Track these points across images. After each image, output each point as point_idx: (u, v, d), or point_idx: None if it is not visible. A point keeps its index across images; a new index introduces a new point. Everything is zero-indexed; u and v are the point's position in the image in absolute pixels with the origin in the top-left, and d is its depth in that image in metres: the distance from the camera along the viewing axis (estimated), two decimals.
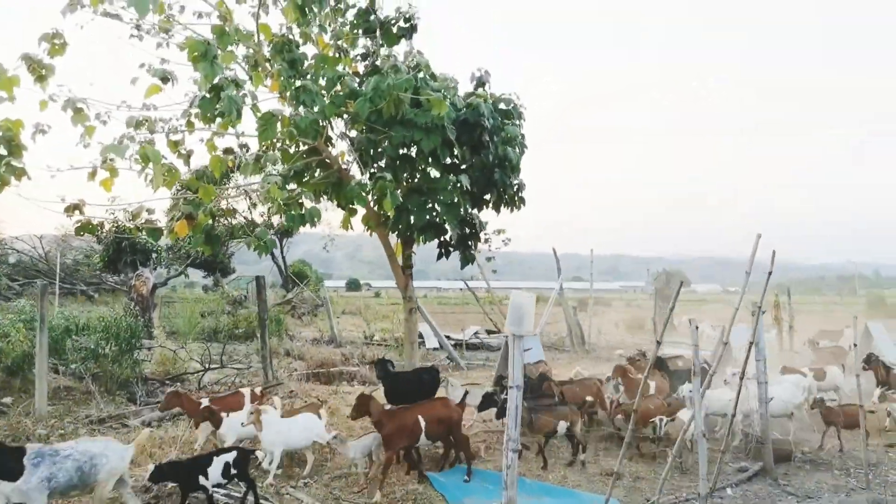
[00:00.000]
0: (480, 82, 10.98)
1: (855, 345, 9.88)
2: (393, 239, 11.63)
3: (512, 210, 11.41)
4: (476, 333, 26.95)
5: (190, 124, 10.09)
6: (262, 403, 9.70)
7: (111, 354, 13.01)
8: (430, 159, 10.10)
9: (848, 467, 9.93)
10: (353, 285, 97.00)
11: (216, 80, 7.92)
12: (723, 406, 10.37)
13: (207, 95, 8.11)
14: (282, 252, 41.99)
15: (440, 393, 11.12)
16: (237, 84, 8.60)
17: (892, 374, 12.94)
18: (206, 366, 14.43)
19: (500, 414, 9.38)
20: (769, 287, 8.10)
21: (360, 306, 43.17)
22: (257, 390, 10.55)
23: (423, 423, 8.54)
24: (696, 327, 6.15)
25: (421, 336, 25.81)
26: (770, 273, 7.72)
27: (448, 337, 23.23)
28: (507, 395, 9.42)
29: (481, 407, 10.24)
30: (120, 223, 11.05)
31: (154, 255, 22.87)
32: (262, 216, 33.68)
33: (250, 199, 24.27)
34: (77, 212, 8.69)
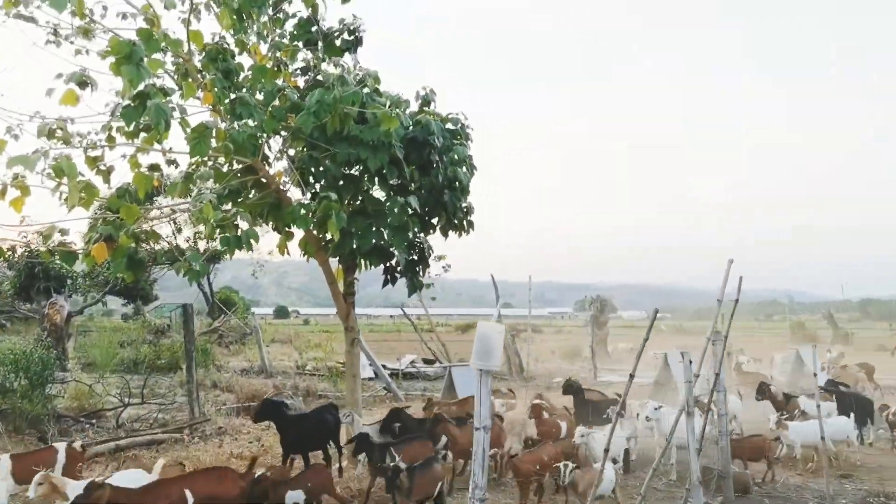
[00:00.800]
0: (426, 101, 10.42)
1: (815, 374, 9.63)
2: (333, 264, 10.90)
3: (460, 234, 10.84)
4: (412, 362, 26.23)
5: (110, 139, 9.18)
6: (83, 462, 8.60)
7: (20, 389, 11.81)
8: (376, 179, 9.44)
9: (805, 500, 9.66)
10: (282, 312, 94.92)
11: (142, 87, 7.09)
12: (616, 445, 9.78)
13: (132, 104, 7.26)
14: (208, 278, 40.38)
15: (344, 432, 10.29)
16: (165, 93, 7.81)
17: (792, 402, 12.60)
18: (126, 401, 13.29)
19: (375, 461, 8.50)
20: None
21: (289, 334, 41.85)
22: (77, 445, 8.68)
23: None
24: (691, 361, 5.65)
25: None
26: (737, 300, 7.37)
27: (384, 366, 22.44)
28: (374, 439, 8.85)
29: (356, 450, 9.07)
30: (33, 247, 9.94)
31: (69, 282, 21.34)
32: (187, 241, 32.42)
33: (175, 223, 23.07)
34: None
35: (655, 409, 10.82)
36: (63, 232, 7.72)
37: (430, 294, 12.96)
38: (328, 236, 10.44)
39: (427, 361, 26.53)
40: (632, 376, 6.06)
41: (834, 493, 9.64)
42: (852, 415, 11.40)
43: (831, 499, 9.23)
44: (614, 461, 9.95)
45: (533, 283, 28.63)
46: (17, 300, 24.13)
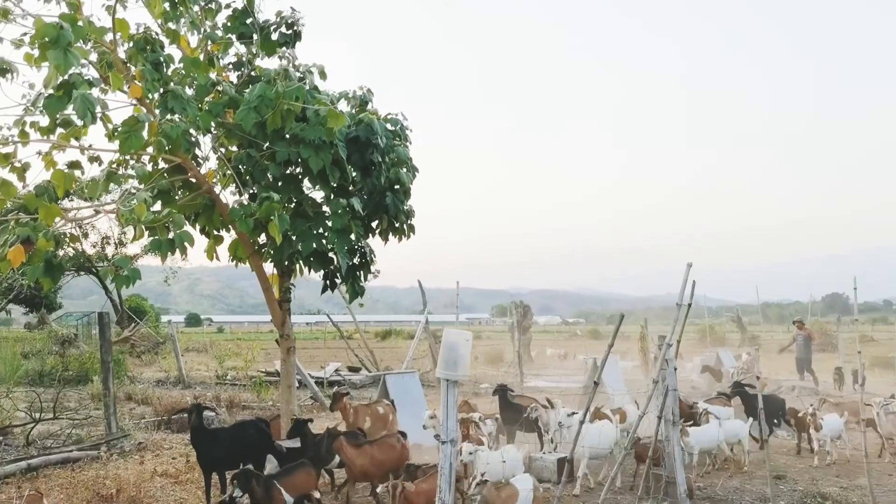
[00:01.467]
0: (363, 101, 10.06)
1: (759, 377, 9.74)
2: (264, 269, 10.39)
3: (400, 239, 10.51)
4: (337, 370, 25.62)
5: (24, 134, 8.46)
6: None
7: None
8: (317, 180, 9.02)
9: (746, 502, 9.77)
10: (194, 320, 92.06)
11: (68, 75, 6.49)
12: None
13: (55, 94, 6.65)
14: (116, 286, 38.64)
15: None
16: (91, 83, 7.20)
17: (695, 407, 12.44)
18: (38, 416, 12.33)
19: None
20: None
21: (205, 343, 40.44)
22: None
23: None
24: (675, 369, 5.50)
25: (279, 374, 24.17)
26: (689, 305, 7.33)
27: (309, 375, 21.80)
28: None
29: (290, 433, 8.87)
30: None
31: None
32: (93, 246, 30.90)
33: (80, 227, 21.85)
34: None
35: (569, 415, 10.28)
36: None
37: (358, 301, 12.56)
38: (262, 240, 9.99)
39: (352, 369, 25.99)
40: (596, 384, 5.89)
41: (772, 494, 9.78)
42: (750, 418, 11.43)
43: (774, 500, 9.35)
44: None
45: (448, 289, 28.53)
46: None
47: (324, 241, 9.07)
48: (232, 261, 10.31)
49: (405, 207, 10.08)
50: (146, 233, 7.94)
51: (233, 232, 9.95)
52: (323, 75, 8.80)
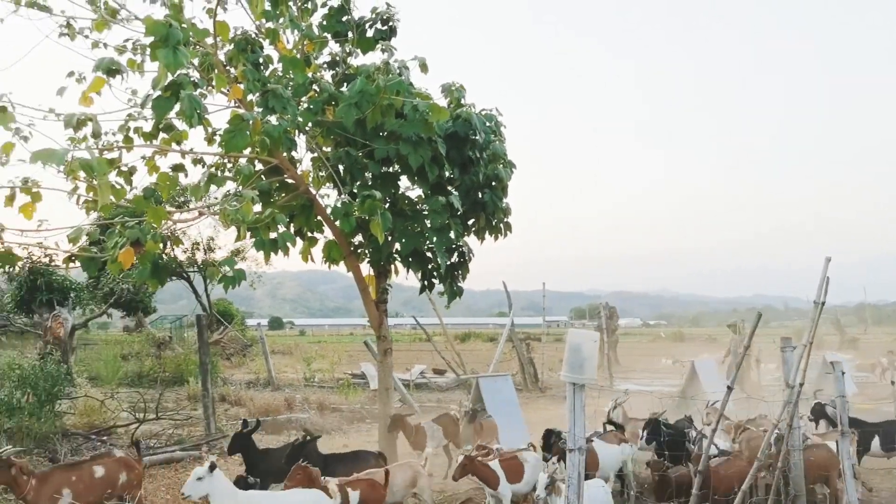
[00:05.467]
0: (456, 97, 9.83)
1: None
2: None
3: (496, 238, 10.23)
4: (423, 373, 25.55)
5: (128, 139, 8.59)
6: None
7: (28, 407, 11.10)
8: (416, 178, 8.84)
9: None
10: (277, 324, 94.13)
11: (176, 75, 6.47)
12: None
13: (163, 95, 6.64)
14: (206, 290, 39.71)
15: None
16: (196, 85, 7.19)
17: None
18: (141, 417, 12.59)
19: None
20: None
21: (289, 345, 41.14)
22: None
23: None
24: (843, 373, 5.03)
25: (364, 376, 24.25)
26: (823, 303, 6.78)
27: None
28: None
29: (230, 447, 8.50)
30: (45, 252, 9.22)
31: (72, 294, 20.57)
32: (184, 252, 31.74)
33: (182, 232, 22.33)
34: None
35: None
36: (91, 236, 7.08)
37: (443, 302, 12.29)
38: (358, 240, 9.89)
39: (437, 372, 25.87)
40: (730, 388, 5.48)
41: None
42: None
43: None
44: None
45: (525, 291, 28.06)
46: (15, 314, 23.34)
47: (423, 240, 8.88)
48: (325, 262, 10.23)
49: (503, 205, 9.79)
50: (248, 234, 7.90)
51: (327, 233, 9.89)
52: (424, 68, 8.60)
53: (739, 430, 8.57)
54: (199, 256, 30.79)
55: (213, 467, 6.09)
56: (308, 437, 8.49)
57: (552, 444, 7.76)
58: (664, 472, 7.82)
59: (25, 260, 18.11)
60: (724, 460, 7.74)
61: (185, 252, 30.40)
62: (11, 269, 19.06)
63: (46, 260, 18.33)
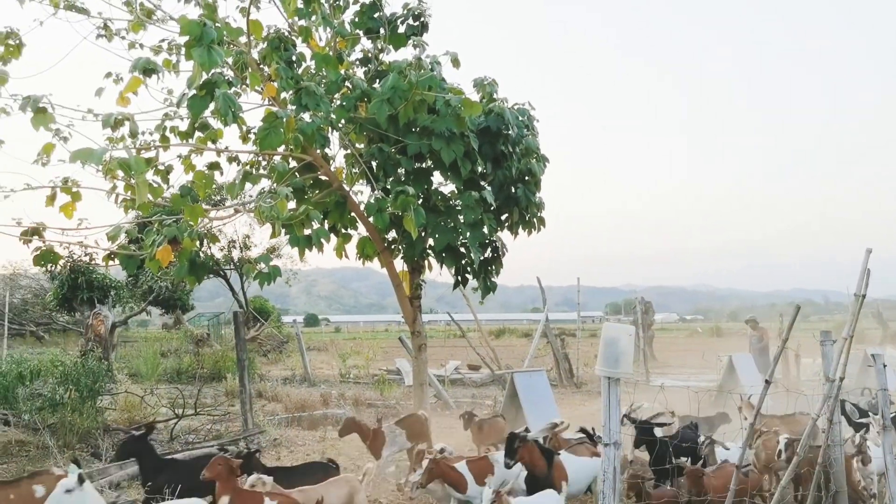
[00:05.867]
0: (488, 91, 9.80)
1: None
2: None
3: (530, 232, 10.19)
4: (457, 368, 25.54)
5: (164, 139, 8.72)
6: None
7: (70, 403, 11.32)
8: (448, 173, 8.84)
9: None
10: (312, 321, 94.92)
11: (210, 74, 6.56)
12: None
13: (198, 94, 6.72)
14: (242, 287, 40.21)
15: None
16: (230, 83, 7.28)
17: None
18: (181, 412, 12.78)
19: None
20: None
21: (325, 342, 41.43)
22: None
23: None
24: (885, 365, 4.94)
25: (398, 372, 24.32)
26: (864, 296, 6.61)
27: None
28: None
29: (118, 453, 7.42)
30: (86, 251, 9.40)
31: (113, 292, 20.95)
32: (220, 249, 32.19)
33: (218, 230, 22.59)
34: (36, 237, 7.20)
35: None
36: (129, 234, 7.20)
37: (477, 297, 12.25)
38: (391, 236, 9.92)
39: (472, 367, 25.86)
40: (767, 382, 5.39)
41: None
42: None
43: None
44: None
45: (559, 287, 27.93)
46: (58, 312, 23.88)
47: (456, 236, 8.87)
48: (359, 259, 10.28)
49: (536, 199, 9.75)
50: (283, 230, 7.97)
51: (361, 229, 9.94)
52: (456, 63, 8.59)
53: (756, 434, 7.90)
54: (236, 254, 31.22)
55: (81, 479, 5.34)
56: (249, 450, 7.33)
57: (515, 448, 6.83)
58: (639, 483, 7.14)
59: (66, 259, 18.51)
60: (716, 468, 7.07)
61: (221, 250, 30.87)
62: (53, 268, 19.52)
63: (87, 259, 18.73)
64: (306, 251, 8.07)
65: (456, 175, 8.73)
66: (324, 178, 9.29)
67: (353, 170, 9.82)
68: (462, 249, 9.32)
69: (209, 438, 12.40)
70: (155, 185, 7.64)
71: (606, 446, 4.84)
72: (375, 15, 9.20)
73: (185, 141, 8.69)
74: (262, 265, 7.44)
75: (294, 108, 7.95)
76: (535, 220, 10.00)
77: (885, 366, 5.11)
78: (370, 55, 9.68)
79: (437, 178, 9.49)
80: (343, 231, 10.06)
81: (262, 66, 8.51)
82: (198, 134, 8.69)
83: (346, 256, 10.41)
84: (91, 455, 10.96)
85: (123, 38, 8.39)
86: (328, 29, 8.62)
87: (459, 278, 9.63)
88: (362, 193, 9.99)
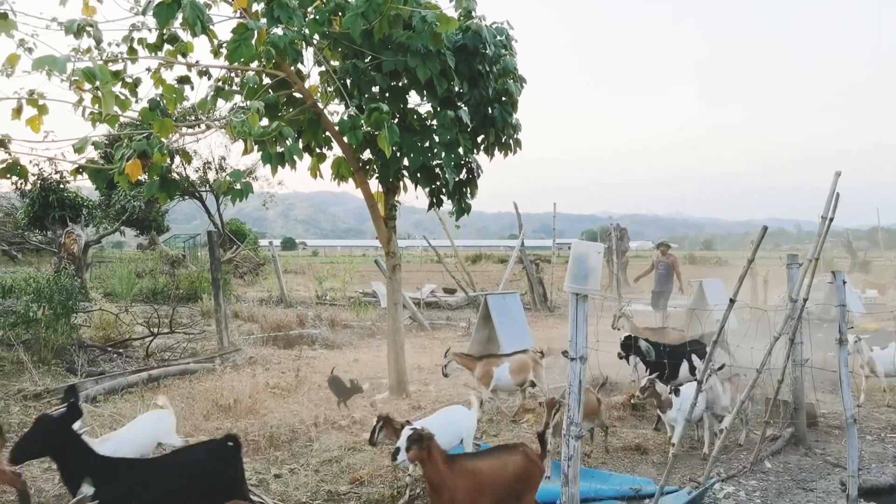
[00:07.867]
0: (468, 9, 9.57)
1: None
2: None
3: (506, 154, 10.14)
4: (433, 292, 25.83)
5: (132, 51, 8.44)
6: None
7: (45, 319, 11.33)
8: (424, 91, 8.70)
9: (872, 429, 9.26)
10: (289, 244, 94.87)
11: None
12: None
13: (165, 2, 6.50)
14: (218, 209, 39.91)
15: None
16: None
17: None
18: (156, 331, 12.86)
19: None
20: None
21: (302, 265, 41.55)
22: None
23: None
24: (844, 282, 5.04)
25: (375, 294, 24.55)
26: (831, 219, 6.70)
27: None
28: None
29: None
30: (56, 169, 9.20)
31: (85, 211, 20.68)
32: (196, 171, 31.77)
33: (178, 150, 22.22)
34: (1, 149, 7.03)
35: None
36: (97, 146, 7.05)
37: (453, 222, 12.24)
38: (366, 156, 9.82)
39: (447, 291, 26.15)
40: (732, 301, 5.51)
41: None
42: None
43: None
44: None
45: (537, 214, 28.09)
46: (29, 231, 23.57)
47: (431, 156, 8.81)
48: (334, 179, 10.19)
49: (512, 120, 9.67)
50: (255, 147, 7.85)
51: (336, 149, 9.82)
52: None
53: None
54: (211, 176, 30.84)
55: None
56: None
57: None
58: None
59: (36, 177, 18.18)
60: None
61: (196, 171, 30.47)
62: (23, 185, 19.15)
63: (57, 176, 18.39)
64: (279, 169, 7.97)
65: (432, 93, 8.60)
66: (298, 95, 9.11)
67: (328, 88, 9.63)
68: (437, 170, 9.27)
69: (185, 356, 12.52)
70: (122, 97, 7.43)
71: (573, 360, 4.95)
72: None
73: (153, 54, 8.42)
74: (235, 181, 7.36)
75: (266, 20, 7.72)
76: (511, 141, 9.93)
77: (844, 283, 5.22)
78: None
79: (413, 97, 9.35)
80: (318, 150, 9.94)
81: None
82: (167, 47, 8.43)
83: (321, 177, 10.30)
84: (66, 371, 11.05)
85: None
86: None
87: (434, 199, 9.60)
88: (337, 114, 9.85)
